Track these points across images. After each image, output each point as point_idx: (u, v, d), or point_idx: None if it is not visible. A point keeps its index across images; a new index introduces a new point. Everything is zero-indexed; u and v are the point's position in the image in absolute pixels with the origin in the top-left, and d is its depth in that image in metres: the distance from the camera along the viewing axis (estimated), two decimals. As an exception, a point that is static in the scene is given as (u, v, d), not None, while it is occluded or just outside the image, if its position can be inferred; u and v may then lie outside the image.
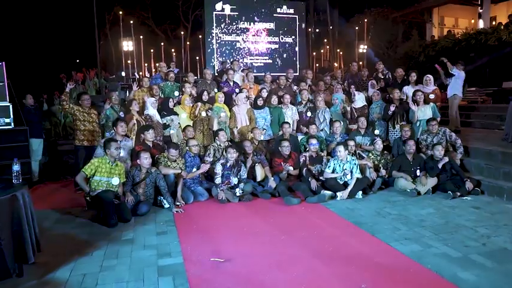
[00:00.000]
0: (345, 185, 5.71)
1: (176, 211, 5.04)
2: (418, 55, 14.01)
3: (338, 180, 5.78)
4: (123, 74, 11.92)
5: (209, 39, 13.50)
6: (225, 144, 6.31)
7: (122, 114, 6.51)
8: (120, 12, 12.09)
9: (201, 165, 5.77)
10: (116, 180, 4.81)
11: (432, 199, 5.44)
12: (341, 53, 14.89)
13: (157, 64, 8.34)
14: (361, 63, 12.17)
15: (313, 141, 6.11)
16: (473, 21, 15.98)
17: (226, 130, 7.01)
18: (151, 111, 6.69)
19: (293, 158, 6.18)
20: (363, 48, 14.85)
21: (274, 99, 7.51)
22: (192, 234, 4.21)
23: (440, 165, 5.72)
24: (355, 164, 5.79)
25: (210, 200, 5.65)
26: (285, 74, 9.33)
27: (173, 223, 4.64)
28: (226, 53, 13.72)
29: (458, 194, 5.38)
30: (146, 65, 12.90)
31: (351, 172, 5.75)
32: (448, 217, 4.61)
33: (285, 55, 14.36)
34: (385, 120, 7.13)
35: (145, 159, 5.10)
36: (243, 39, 13.95)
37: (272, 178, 5.92)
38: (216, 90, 7.89)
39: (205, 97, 7.22)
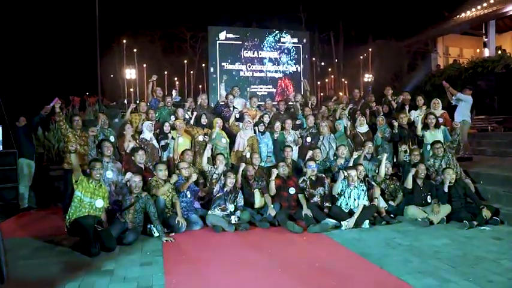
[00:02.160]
0: (351, 213, 5.27)
1: (166, 240, 4.62)
2: (424, 84, 13.81)
3: (343, 207, 5.35)
4: (125, 101, 11.82)
5: (212, 69, 13.53)
6: (223, 169, 5.98)
7: (112, 138, 6.24)
8: (124, 41, 12.16)
9: (192, 175, 5.39)
10: (99, 203, 4.46)
11: (446, 229, 4.97)
12: (346, 82, 14.77)
13: (153, 88, 8.12)
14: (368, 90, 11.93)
15: (312, 163, 5.74)
16: (478, 50, 15.88)
17: (227, 156, 6.74)
18: (147, 134, 6.44)
19: (294, 181, 5.78)
20: (367, 77, 14.73)
21: (278, 126, 7.24)
22: (180, 266, 3.79)
23: (446, 189, 5.28)
24: (362, 190, 5.39)
25: (204, 229, 5.23)
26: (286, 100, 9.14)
27: (161, 253, 4.22)
28: (230, 82, 13.63)
29: (475, 223, 4.91)
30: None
31: (358, 199, 5.34)
32: (466, 248, 4.13)
33: (289, 83, 14.34)
34: (391, 141, 6.79)
35: (134, 183, 4.76)
36: (247, 68, 13.97)
37: (272, 206, 5.51)
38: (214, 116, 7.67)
39: (203, 121, 7.00)
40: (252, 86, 13.93)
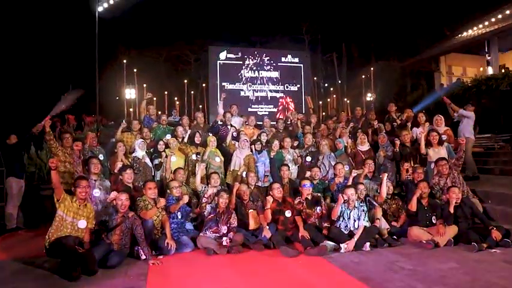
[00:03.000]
0: (351, 234, 4.96)
1: (152, 263, 4.34)
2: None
3: (343, 229, 5.05)
4: (124, 121, 11.69)
5: (213, 88, 13.45)
6: (213, 191, 5.74)
7: (101, 156, 6.05)
8: (124, 61, 12.16)
9: (184, 196, 5.13)
10: (82, 223, 4.22)
11: (454, 251, 4.63)
12: (348, 101, 14.61)
13: (146, 107, 7.99)
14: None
15: (307, 182, 5.48)
16: (481, 69, 15.72)
17: (221, 175, 6.53)
18: (139, 153, 6.25)
19: (290, 203, 5.48)
20: (370, 96, 14.56)
21: (276, 144, 7.03)
22: (163, 291, 3.50)
23: (451, 209, 4.97)
24: (363, 210, 5.10)
25: (195, 252, 4.94)
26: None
27: (145, 277, 3.93)
28: (230, 101, 13.49)
29: (485, 245, 4.57)
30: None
31: (358, 220, 5.04)
32: (476, 273, 3.80)
33: (290, 103, 14.19)
34: (393, 160, 6.52)
35: (120, 201, 4.52)
36: (247, 87, 13.89)
37: (267, 227, 5.21)
38: (209, 134, 7.50)
39: (197, 139, 6.82)
40: (253, 106, 13.83)
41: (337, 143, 7.23)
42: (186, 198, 5.07)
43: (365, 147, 7.01)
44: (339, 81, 20.75)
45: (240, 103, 13.16)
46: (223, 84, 13.43)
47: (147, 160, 6.30)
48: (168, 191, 5.34)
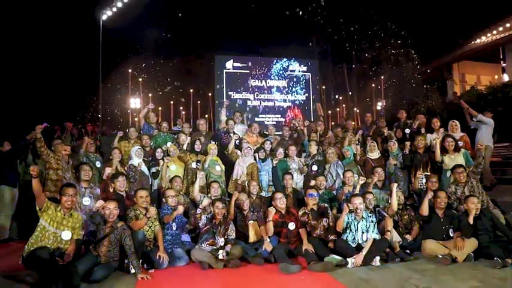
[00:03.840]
0: (359, 248, 4.54)
1: (141, 277, 3.99)
2: (441, 111, 13.11)
3: (350, 242, 4.63)
4: (127, 130, 11.51)
5: (219, 98, 13.22)
6: (209, 202, 5.40)
7: (98, 163, 5.78)
8: (130, 71, 12.07)
9: (178, 207, 4.80)
10: (66, 235, 3.91)
11: (474, 268, 4.17)
12: (357, 110, 14.24)
13: (147, 114, 7.72)
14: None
15: (313, 192, 5.09)
16: (496, 76, 15.21)
17: (222, 185, 6.21)
18: (135, 160, 5.96)
19: (293, 214, 5.10)
20: (380, 105, 14.17)
21: (280, 152, 6.68)
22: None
23: (471, 220, 4.52)
24: (372, 221, 4.68)
25: (190, 266, 4.58)
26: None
27: (131, 294, 3.59)
28: (236, 111, 13.23)
29: (509, 261, 4.10)
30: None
31: (367, 232, 4.62)
32: (500, 293, 3.35)
33: (298, 113, 13.87)
34: (405, 168, 6.11)
35: (108, 210, 4.21)
36: (254, 97, 13.64)
37: (268, 239, 4.82)
38: (212, 142, 7.20)
39: (197, 147, 6.52)
40: (260, 116, 13.54)
41: (345, 151, 6.85)
42: (180, 209, 4.74)
43: (375, 155, 6.61)
44: (350, 93, 20.44)
45: (247, 113, 12.96)
46: (229, 93, 13.22)
47: (144, 168, 6.01)
48: (164, 200, 5.02)
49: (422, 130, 6.89)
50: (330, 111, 14.79)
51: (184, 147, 6.51)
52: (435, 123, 6.63)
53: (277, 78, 13.85)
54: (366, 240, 4.56)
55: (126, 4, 10.12)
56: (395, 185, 5.10)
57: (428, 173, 5.94)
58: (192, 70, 16.70)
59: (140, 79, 12.45)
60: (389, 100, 15.32)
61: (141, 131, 7.44)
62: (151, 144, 6.95)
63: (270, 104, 13.72)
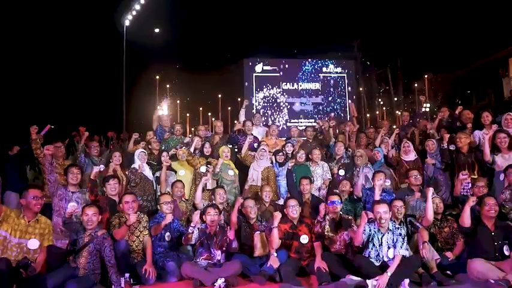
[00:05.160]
0: (384, 267, 3.66)
1: (121, 294, 3.44)
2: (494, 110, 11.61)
3: (373, 259, 3.77)
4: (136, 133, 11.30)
5: (248, 102, 12.69)
6: (223, 205, 4.81)
7: (102, 166, 5.38)
8: (157, 77, 11.91)
9: (166, 215, 4.22)
10: (33, 243, 3.47)
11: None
12: (400, 113, 13.05)
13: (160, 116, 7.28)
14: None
15: (335, 198, 4.28)
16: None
17: (232, 190, 5.60)
18: (137, 163, 5.50)
19: (308, 224, 4.32)
20: (425, 106, 12.89)
21: (301, 155, 5.95)
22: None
23: None
24: (400, 234, 3.78)
25: (183, 282, 3.95)
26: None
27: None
28: (266, 113, 12.62)
29: None
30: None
31: (394, 247, 3.73)
32: None
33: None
34: (445, 167, 5.13)
35: (86, 217, 3.72)
36: (285, 101, 12.95)
37: (275, 254, 4.07)
38: (229, 146, 6.61)
39: (206, 150, 5.97)
40: (292, 120, 12.83)
41: (374, 153, 5.95)
42: (169, 218, 4.16)
43: (410, 156, 5.66)
44: (395, 98, 19.20)
45: (277, 113, 12.30)
46: (259, 97, 12.66)
47: (148, 172, 5.53)
48: (158, 207, 4.47)
49: (470, 126, 5.81)
50: (368, 115, 13.71)
51: (192, 149, 5.94)
52: (486, 118, 5.53)
53: (310, 81, 13.08)
54: (393, 257, 3.68)
55: (151, 10, 9.99)
56: (431, 189, 4.16)
57: (476, 176, 4.91)
58: (222, 75, 16.40)
59: (168, 85, 12.24)
60: (437, 103, 13.98)
61: (155, 134, 7.03)
62: (164, 147, 6.51)
63: (302, 107, 12.96)
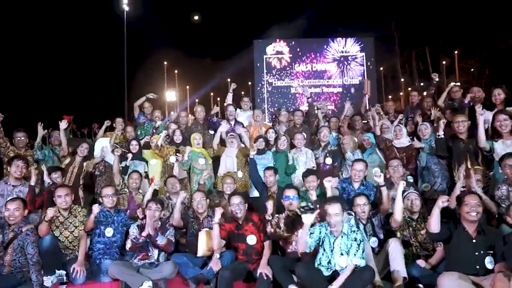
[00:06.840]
0: (334, 278, 3.06)
1: (41, 296, 3.14)
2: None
3: (323, 267, 3.17)
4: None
5: (259, 87, 12.07)
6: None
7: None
8: (165, 63, 11.62)
9: (93, 207, 3.86)
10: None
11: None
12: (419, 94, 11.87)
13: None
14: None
15: (290, 192, 3.69)
16: None
17: (207, 182, 5.14)
18: (99, 152, 5.21)
19: (255, 222, 3.74)
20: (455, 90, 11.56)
21: (283, 141, 5.34)
22: None
23: None
24: (355, 239, 3.13)
25: (116, 282, 3.59)
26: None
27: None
28: (278, 101, 11.89)
29: None
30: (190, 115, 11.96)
31: (347, 254, 3.11)
32: None
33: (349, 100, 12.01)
34: (441, 157, 4.34)
35: (8, 212, 3.45)
36: (298, 84, 12.17)
37: (217, 256, 3.58)
38: (211, 132, 6.11)
39: (176, 138, 5.52)
40: (305, 104, 12.05)
41: (364, 139, 5.21)
42: (95, 209, 3.79)
43: (402, 142, 4.86)
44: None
45: (290, 101, 11.62)
46: (270, 81, 11.99)
47: (113, 162, 5.20)
48: (100, 199, 4.10)
49: (479, 108, 4.87)
50: (390, 96, 12.59)
51: (162, 136, 5.48)
52: (497, 96, 4.59)
53: (325, 62, 12.18)
54: (345, 267, 3.06)
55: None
56: (403, 183, 3.43)
57: (481, 167, 4.07)
58: (232, 59, 15.86)
59: (176, 71, 11.92)
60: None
61: (136, 121, 6.71)
62: (140, 133, 6.17)
63: (317, 90, 12.12)
